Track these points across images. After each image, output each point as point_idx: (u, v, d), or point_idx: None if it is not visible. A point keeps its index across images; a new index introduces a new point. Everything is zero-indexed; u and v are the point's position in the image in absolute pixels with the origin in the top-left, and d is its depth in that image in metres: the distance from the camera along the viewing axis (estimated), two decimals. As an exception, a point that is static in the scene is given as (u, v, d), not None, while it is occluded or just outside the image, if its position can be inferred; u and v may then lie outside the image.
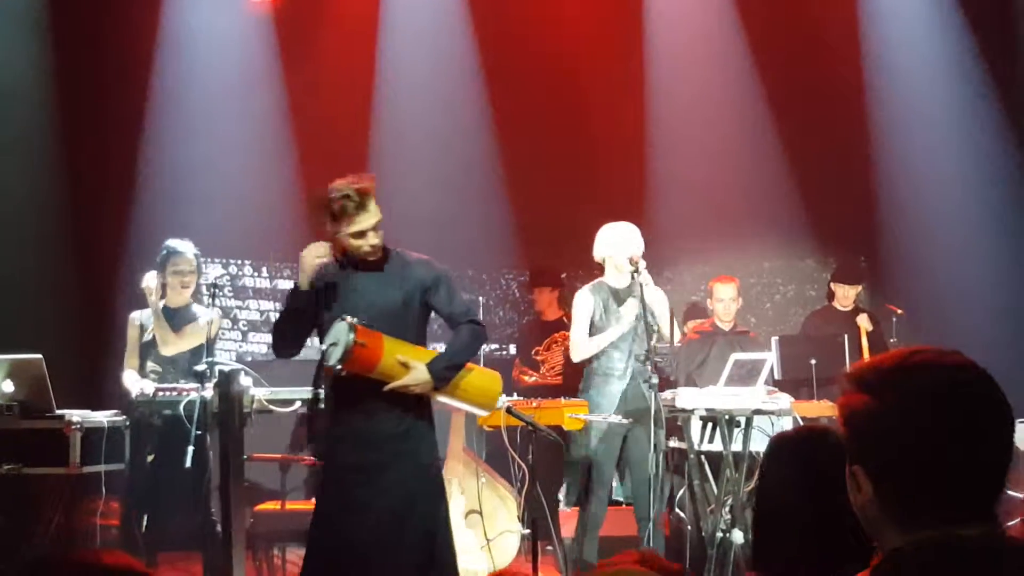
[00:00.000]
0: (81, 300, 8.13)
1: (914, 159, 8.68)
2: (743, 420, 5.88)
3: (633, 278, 5.85)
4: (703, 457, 6.04)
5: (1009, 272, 8.40)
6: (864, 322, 7.50)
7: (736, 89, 8.86)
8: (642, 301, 5.78)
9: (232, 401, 5.19)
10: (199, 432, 5.26)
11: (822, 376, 6.81)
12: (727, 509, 5.81)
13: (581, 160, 9.00)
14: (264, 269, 9.11)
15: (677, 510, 6.38)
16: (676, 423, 6.00)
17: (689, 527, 6.05)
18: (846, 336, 7.11)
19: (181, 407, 5.39)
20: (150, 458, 5.81)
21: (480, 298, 8.62)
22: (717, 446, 5.90)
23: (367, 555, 4.38)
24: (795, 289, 9.29)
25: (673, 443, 6.09)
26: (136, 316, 6.16)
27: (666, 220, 8.32)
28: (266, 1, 8.96)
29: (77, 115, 8.26)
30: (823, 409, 6.25)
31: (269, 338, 8.90)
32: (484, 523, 6.26)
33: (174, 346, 6.05)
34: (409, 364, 4.37)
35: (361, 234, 4.43)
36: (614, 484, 6.17)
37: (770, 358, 6.39)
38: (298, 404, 5.54)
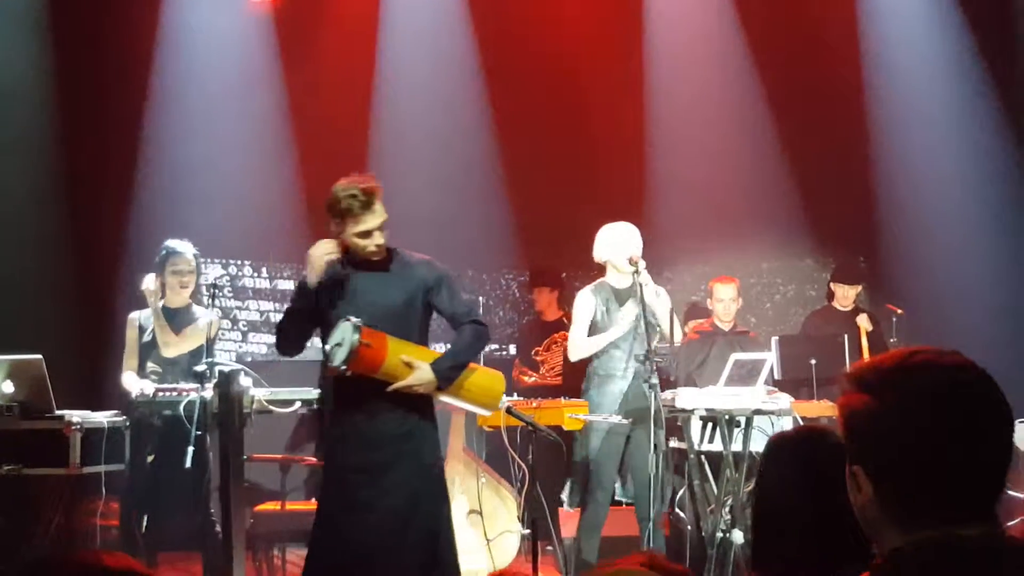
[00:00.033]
0: (81, 300, 8.12)
1: (913, 158, 8.68)
2: (743, 420, 5.88)
3: (633, 279, 5.85)
4: (703, 457, 6.04)
5: (1008, 271, 8.40)
6: (864, 322, 7.50)
7: (736, 89, 8.86)
8: (642, 301, 5.78)
9: (232, 401, 5.19)
10: (199, 432, 5.27)
11: (822, 376, 6.81)
12: (727, 509, 5.82)
13: (581, 160, 9.00)
14: (264, 269, 9.10)
15: (677, 510, 6.38)
16: (676, 423, 6.00)
17: (689, 527, 6.06)
18: (846, 336, 7.11)
19: (181, 407, 5.40)
20: (150, 459, 5.81)
21: (480, 298, 8.62)
22: (717, 446, 5.90)
23: (370, 555, 4.38)
24: (795, 289, 9.29)
25: (673, 443, 6.09)
26: (135, 316, 6.15)
27: (666, 220, 8.32)
28: (266, 1, 8.96)
29: (77, 115, 8.25)
30: (823, 409, 6.26)
31: (269, 338, 9.00)
32: (484, 523, 6.26)
33: (175, 347, 6.05)
34: (413, 364, 4.38)
35: (367, 234, 4.44)
36: (616, 485, 6.17)
37: (770, 358, 6.39)
38: (298, 404, 5.54)
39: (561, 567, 6.15)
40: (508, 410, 5.08)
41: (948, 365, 1.60)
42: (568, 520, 6.50)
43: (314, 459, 6.96)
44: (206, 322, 6.00)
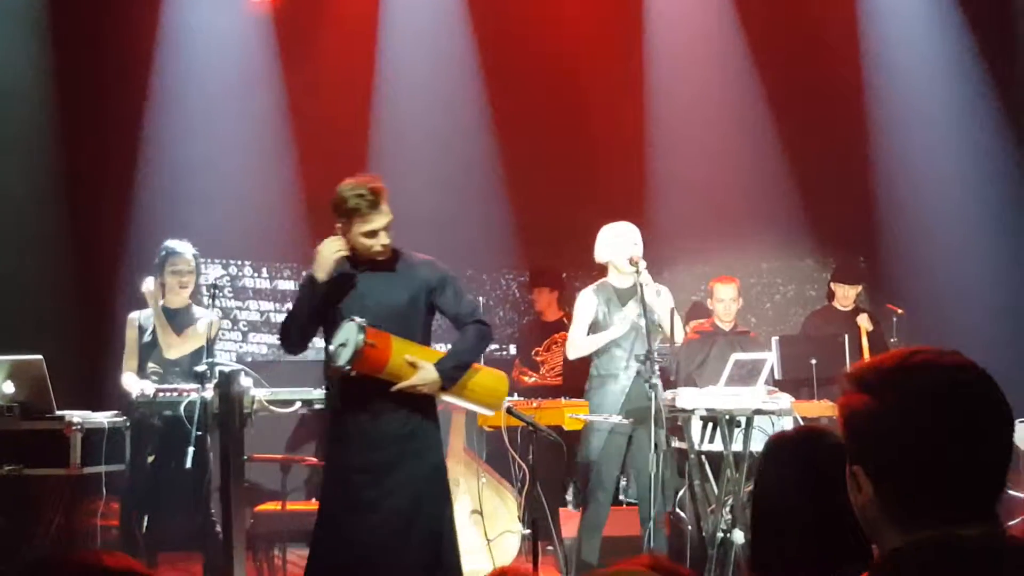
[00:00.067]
0: (81, 300, 8.12)
1: (913, 158, 8.68)
2: (743, 420, 5.88)
3: (634, 279, 5.85)
4: (703, 457, 6.04)
5: (1008, 271, 8.39)
6: (864, 322, 7.50)
7: (736, 89, 8.86)
8: (642, 301, 5.78)
9: (232, 402, 5.19)
10: (199, 433, 5.27)
11: (822, 376, 6.81)
12: (728, 509, 5.81)
13: (581, 160, 9.00)
14: (264, 269, 9.11)
15: (677, 510, 6.38)
16: (676, 423, 6.00)
17: (690, 527, 6.05)
18: (846, 336, 7.11)
19: (181, 408, 5.40)
20: (151, 459, 5.81)
21: (480, 298, 8.62)
22: (717, 446, 5.90)
23: (374, 556, 4.38)
24: (795, 289, 9.28)
25: (674, 443, 6.09)
26: (135, 316, 6.14)
27: (666, 220, 8.32)
28: (266, 1, 8.96)
29: (77, 115, 8.25)
30: (823, 409, 6.26)
31: (269, 338, 9.01)
32: (485, 523, 6.26)
33: (177, 349, 6.04)
34: (417, 364, 4.38)
35: (373, 233, 4.44)
36: (622, 484, 6.18)
37: (770, 358, 6.39)
38: (298, 405, 5.54)
39: (562, 567, 6.15)
40: (509, 410, 5.08)
41: (948, 365, 1.60)
42: (568, 520, 6.50)
43: (314, 459, 6.97)
44: (206, 323, 6.01)
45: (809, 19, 8.70)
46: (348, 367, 4.28)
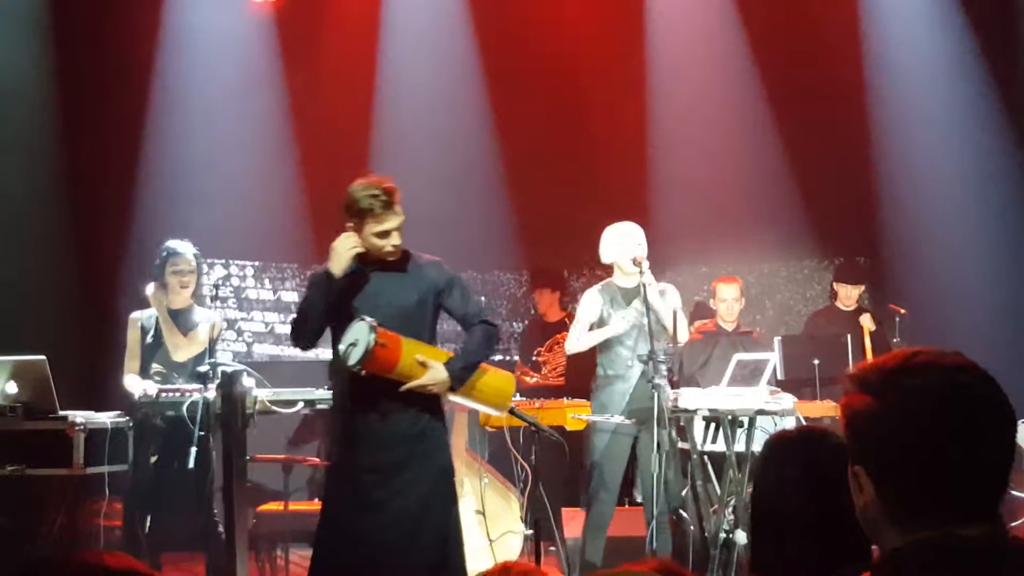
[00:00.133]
0: (83, 301, 8.12)
1: (915, 158, 8.67)
2: (746, 420, 5.88)
3: (638, 279, 5.85)
4: (706, 458, 6.04)
5: (1010, 271, 8.39)
6: (867, 322, 7.49)
7: (737, 89, 8.86)
8: (645, 301, 5.78)
9: (235, 402, 5.20)
10: (202, 433, 5.27)
11: (825, 376, 6.81)
12: (730, 510, 5.81)
13: (582, 160, 9.00)
14: (267, 281, 9.12)
15: (680, 510, 6.38)
16: (679, 423, 6.01)
17: (692, 527, 6.05)
18: (849, 336, 7.11)
19: (184, 408, 5.40)
20: (153, 459, 5.81)
21: (481, 298, 8.63)
22: (720, 446, 5.90)
23: (379, 556, 4.38)
24: (797, 289, 9.28)
25: (678, 444, 6.09)
26: (137, 317, 6.10)
27: (667, 220, 8.31)
28: (267, 1, 8.97)
29: (77, 115, 8.25)
30: (826, 409, 6.26)
31: (273, 349, 9.01)
32: (487, 523, 6.26)
33: (186, 351, 6.02)
34: (428, 364, 4.39)
35: (385, 234, 4.45)
36: (637, 483, 6.18)
37: (773, 358, 6.39)
38: (300, 405, 5.54)
39: (564, 567, 6.15)
40: (511, 410, 5.08)
41: (949, 366, 1.60)
42: (571, 520, 6.50)
43: (317, 459, 6.97)
44: (208, 323, 6.01)
45: (810, 19, 8.70)
46: (358, 367, 4.28)
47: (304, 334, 4.58)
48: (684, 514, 6.19)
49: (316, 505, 5.84)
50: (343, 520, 4.45)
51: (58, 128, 8.23)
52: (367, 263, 4.53)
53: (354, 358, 4.27)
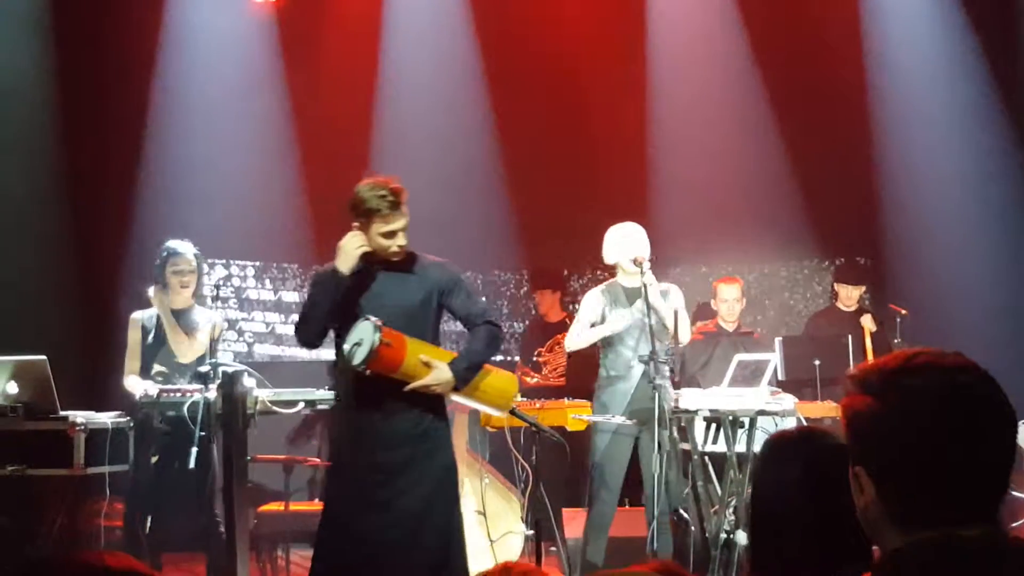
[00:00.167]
0: (83, 300, 8.12)
1: (916, 159, 8.67)
2: (747, 421, 5.88)
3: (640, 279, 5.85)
4: (707, 458, 6.04)
5: (1010, 271, 8.39)
6: (868, 322, 7.49)
7: (737, 89, 8.86)
8: (646, 301, 5.78)
9: (236, 402, 5.19)
10: (203, 433, 5.27)
11: (826, 377, 6.81)
12: (731, 510, 5.81)
13: (582, 161, 9.00)
14: (268, 281, 9.12)
15: (680, 511, 6.38)
16: (680, 424, 6.00)
17: (693, 528, 6.05)
18: (850, 337, 7.11)
19: (185, 408, 5.39)
20: (154, 459, 5.80)
21: (482, 299, 8.62)
22: (721, 447, 5.90)
23: (381, 556, 4.38)
24: (797, 290, 9.28)
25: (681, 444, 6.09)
26: (138, 317, 6.09)
27: (668, 221, 8.30)
28: (268, 1, 8.97)
29: (78, 115, 8.25)
30: (826, 410, 6.25)
31: (274, 349, 9.01)
32: (488, 524, 6.26)
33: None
34: (432, 364, 4.39)
35: (392, 234, 4.46)
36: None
37: (774, 359, 6.39)
38: (301, 405, 5.54)
39: (565, 568, 6.15)
40: (512, 411, 5.09)
41: (950, 366, 1.60)
42: (572, 520, 6.50)
43: (318, 459, 6.97)
44: (210, 324, 6.01)
45: (811, 19, 8.70)
46: (363, 366, 4.28)
47: (310, 333, 4.58)
48: (685, 514, 6.19)
49: (317, 505, 5.84)
50: (345, 520, 4.45)
51: (58, 128, 8.22)
52: (372, 263, 4.53)
53: (359, 357, 4.27)
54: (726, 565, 5.68)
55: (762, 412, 5.86)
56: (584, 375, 6.27)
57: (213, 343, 6.01)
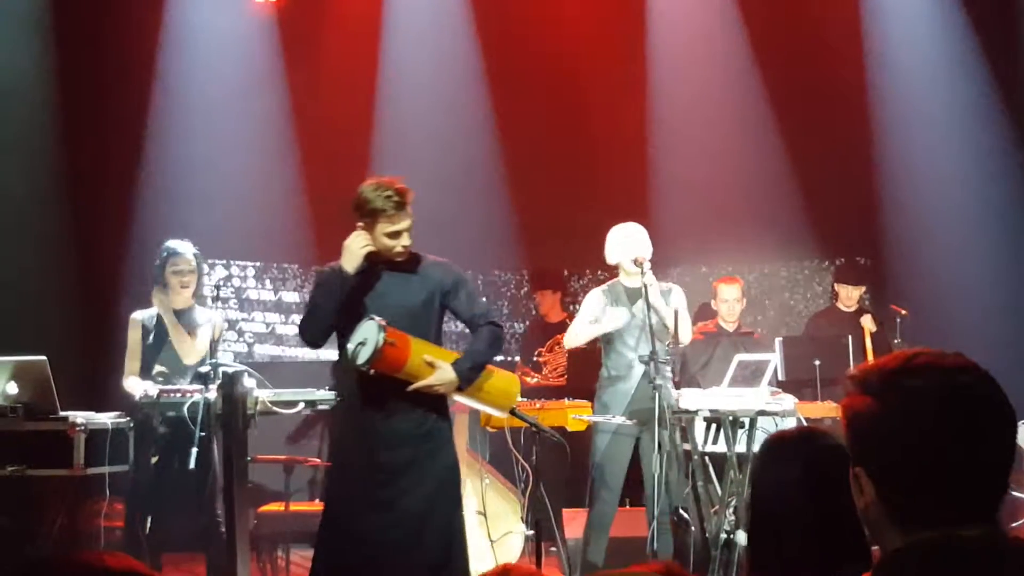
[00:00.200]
0: (83, 301, 8.11)
1: (916, 159, 8.67)
2: (747, 421, 5.88)
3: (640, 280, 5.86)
4: (707, 458, 6.04)
5: (1011, 271, 8.39)
6: (868, 323, 7.49)
7: (738, 89, 8.86)
8: (647, 301, 5.78)
9: (236, 403, 5.19)
10: (203, 434, 5.27)
11: (826, 377, 6.81)
12: (731, 510, 5.81)
13: (583, 161, 9.00)
14: (268, 281, 9.12)
15: (681, 511, 6.38)
16: (680, 424, 6.00)
17: (693, 528, 6.05)
18: (850, 337, 7.11)
19: (185, 409, 5.39)
20: (154, 460, 5.80)
21: (482, 299, 8.63)
22: (721, 447, 5.90)
23: (382, 556, 4.38)
24: (797, 290, 9.28)
25: (681, 445, 6.09)
26: (138, 317, 6.07)
27: (668, 221, 8.29)
28: (268, 1, 8.97)
29: (78, 114, 8.25)
30: (827, 410, 6.25)
31: (271, 342, 9.01)
32: (488, 524, 6.26)
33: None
34: (435, 364, 4.40)
35: (396, 234, 4.47)
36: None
37: (774, 359, 6.39)
38: (302, 406, 5.54)
39: (565, 568, 6.15)
40: (512, 411, 5.09)
41: (950, 367, 1.60)
42: (572, 521, 6.50)
43: (318, 460, 6.97)
44: (210, 324, 6.01)
45: (811, 19, 8.70)
46: (367, 366, 4.28)
47: (315, 332, 4.58)
48: (685, 514, 6.19)
49: (317, 506, 5.84)
50: (346, 519, 4.46)
51: (58, 128, 8.22)
52: (375, 262, 4.54)
53: (363, 357, 4.28)
54: (726, 565, 5.68)
55: (762, 412, 5.86)
56: (584, 375, 6.28)
57: (213, 343, 6.01)
